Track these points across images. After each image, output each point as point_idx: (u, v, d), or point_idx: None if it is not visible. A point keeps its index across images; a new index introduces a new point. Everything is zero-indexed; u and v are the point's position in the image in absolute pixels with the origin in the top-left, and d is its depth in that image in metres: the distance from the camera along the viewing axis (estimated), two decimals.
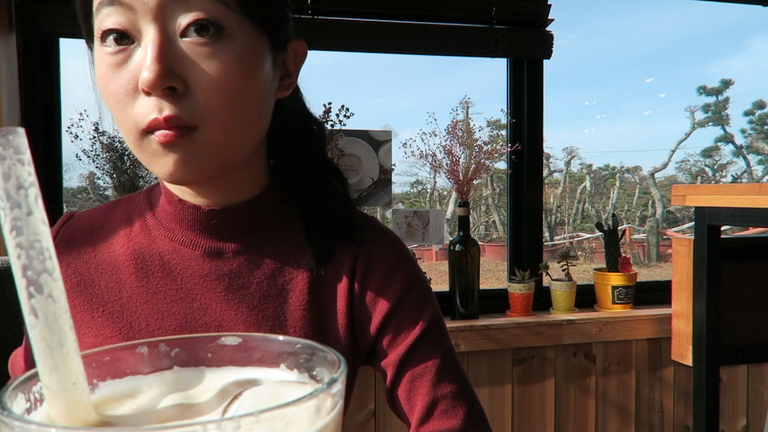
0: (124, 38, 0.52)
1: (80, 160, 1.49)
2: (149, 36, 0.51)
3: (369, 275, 0.64)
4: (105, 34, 0.53)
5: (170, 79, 0.51)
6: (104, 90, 0.54)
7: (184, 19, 0.51)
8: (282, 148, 0.66)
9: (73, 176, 1.82)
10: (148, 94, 0.51)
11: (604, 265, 1.82)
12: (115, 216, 0.66)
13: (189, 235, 0.62)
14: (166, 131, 0.52)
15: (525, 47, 1.74)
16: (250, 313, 0.61)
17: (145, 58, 0.51)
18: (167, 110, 0.51)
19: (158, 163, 0.54)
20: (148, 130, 0.52)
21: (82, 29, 0.59)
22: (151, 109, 0.52)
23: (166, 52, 0.51)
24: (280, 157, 0.66)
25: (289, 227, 0.65)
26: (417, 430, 0.62)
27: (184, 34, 0.52)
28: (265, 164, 0.65)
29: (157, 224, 0.64)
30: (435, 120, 1.68)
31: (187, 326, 0.61)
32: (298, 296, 0.62)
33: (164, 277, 0.62)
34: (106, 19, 0.52)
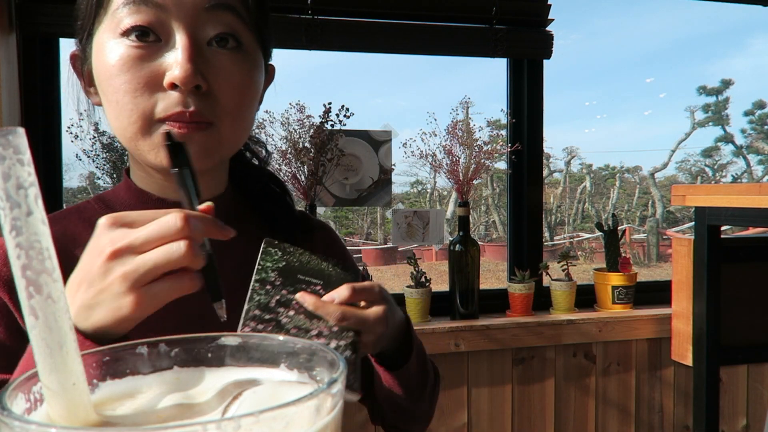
0: (147, 35, 0.56)
1: (80, 160, 1.49)
2: (181, 38, 0.56)
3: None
4: (130, 30, 0.56)
5: (199, 78, 0.56)
6: (116, 79, 0.56)
7: (212, 30, 0.58)
8: (238, 156, 0.74)
9: (73, 176, 1.82)
10: (172, 88, 0.56)
11: (604, 265, 1.82)
12: (71, 225, 0.66)
13: None
14: (187, 123, 0.57)
15: (525, 47, 1.74)
16: (226, 302, 0.65)
17: (177, 57, 0.56)
18: (193, 105, 0.57)
19: (165, 152, 0.57)
20: (161, 121, 0.57)
21: (86, 18, 0.60)
22: (175, 103, 0.56)
23: (196, 55, 0.57)
24: (238, 164, 0.75)
25: (247, 223, 0.72)
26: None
27: (209, 42, 0.58)
28: (227, 168, 0.72)
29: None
30: (435, 120, 1.68)
31: (169, 321, 0.62)
32: None
33: None
34: (132, 15, 0.56)
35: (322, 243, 0.76)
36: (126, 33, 0.56)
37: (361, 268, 0.87)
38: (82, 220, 0.66)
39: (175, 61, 0.56)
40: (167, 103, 0.56)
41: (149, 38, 0.56)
